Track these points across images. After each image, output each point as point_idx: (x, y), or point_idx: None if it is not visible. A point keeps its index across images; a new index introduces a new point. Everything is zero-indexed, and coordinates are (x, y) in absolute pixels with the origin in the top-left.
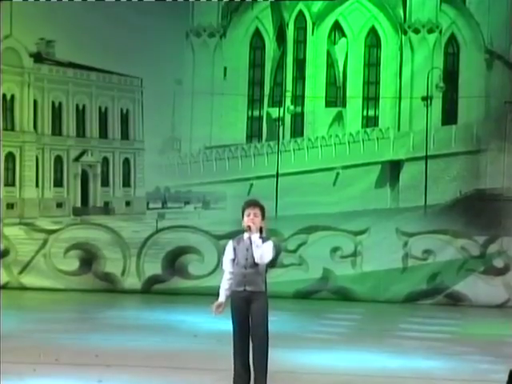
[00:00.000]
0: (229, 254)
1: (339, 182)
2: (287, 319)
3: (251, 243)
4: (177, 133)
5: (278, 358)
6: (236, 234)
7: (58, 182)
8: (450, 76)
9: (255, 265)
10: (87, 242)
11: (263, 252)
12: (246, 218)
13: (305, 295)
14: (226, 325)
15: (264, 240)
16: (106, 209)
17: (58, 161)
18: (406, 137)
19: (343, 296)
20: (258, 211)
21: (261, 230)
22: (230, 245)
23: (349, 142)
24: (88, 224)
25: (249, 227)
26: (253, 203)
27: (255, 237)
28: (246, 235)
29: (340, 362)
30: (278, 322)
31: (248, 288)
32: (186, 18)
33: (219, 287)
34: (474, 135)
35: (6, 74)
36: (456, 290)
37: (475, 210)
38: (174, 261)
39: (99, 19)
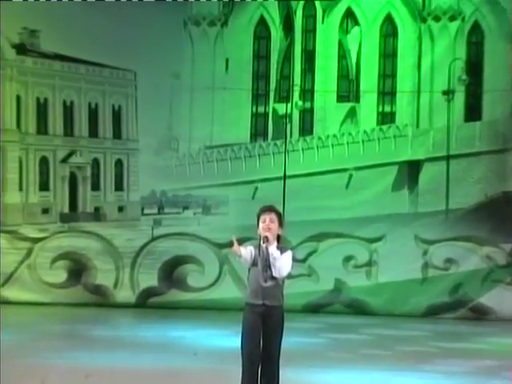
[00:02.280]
0: (249, 254)
1: (352, 184)
2: (296, 335)
3: (269, 254)
4: (174, 131)
5: (290, 378)
6: (240, 242)
7: (44, 186)
8: (474, 68)
9: (275, 277)
10: (76, 251)
11: (281, 265)
12: (261, 225)
13: (315, 308)
14: (228, 341)
15: (282, 250)
16: (97, 215)
17: (44, 162)
18: (426, 135)
19: (357, 309)
20: (274, 216)
21: (278, 239)
22: (252, 249)
23: (363, 141)
24: (77, 232)
25: (266, 238)
26: (268, 208)
27: (273, 248)
28: (263, 245)
29: (356, 382)
30: (286, 337)
31: (266, 302)
32: (183, 6)
33: (221, 300)
34: (500, 133)
35: None
36: (480, 303)
37: (502, 215)
38: (172, 272)
39: (87, 6)
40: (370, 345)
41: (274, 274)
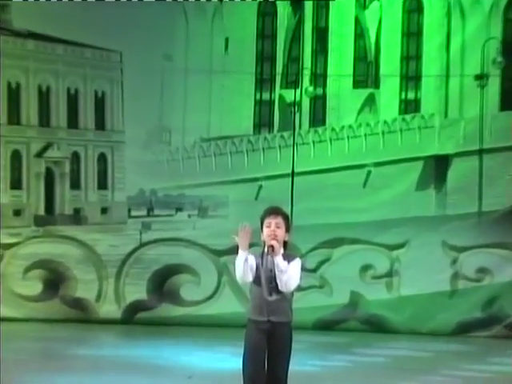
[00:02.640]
0: (252, 263)
1: (371, 182)
2: (306, 355)
3: (275, 264)
4: (166, 121)
5: None
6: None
7: (16, 184)
8: (511, 48)
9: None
10: (52, 259)
11: (288, 278)
12: (265, 230)
13: (328, 325)
14: (228, 362)
15: (289, 259)
16: (77, 217)
17: (16, 156)
18: (455, 125)
19: (376, 326)
20: (280, 220)
21: (285, 246)
22: (253, 258)
23: (383, 133)
24: (54, 237)
25: (271, 247)
26: (274, 211)
27: (279, 259)
28: (268, 255)
29: None
30: (294, 358)
31: (272, 318)
32: None
33: (219, 315)
34: None
35: None
36: None
37: None
38: (163, 283)
39: None
40: (389, 367)
41: (280, 288)
